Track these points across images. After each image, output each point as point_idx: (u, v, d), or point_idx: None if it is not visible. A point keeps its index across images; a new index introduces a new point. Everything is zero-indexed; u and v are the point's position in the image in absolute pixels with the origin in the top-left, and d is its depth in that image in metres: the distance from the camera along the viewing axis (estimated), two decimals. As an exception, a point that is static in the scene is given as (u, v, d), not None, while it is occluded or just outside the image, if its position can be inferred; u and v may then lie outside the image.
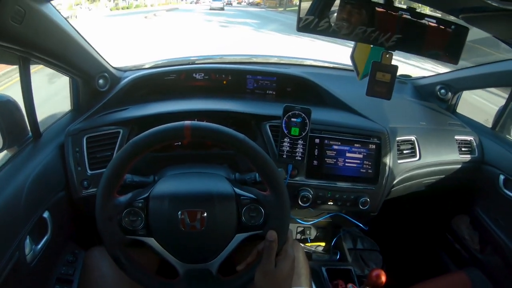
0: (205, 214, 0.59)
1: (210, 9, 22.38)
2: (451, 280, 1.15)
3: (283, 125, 0.87)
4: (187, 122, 0.56)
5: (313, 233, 1.14)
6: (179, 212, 0.59)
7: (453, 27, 0.64)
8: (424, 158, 1.05)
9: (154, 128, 0.56)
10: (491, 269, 1.11)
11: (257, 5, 33.66)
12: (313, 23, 0.63)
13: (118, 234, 0.59)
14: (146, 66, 1.15)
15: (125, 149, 0.56)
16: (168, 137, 0.57)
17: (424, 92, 1.27)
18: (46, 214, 0.80)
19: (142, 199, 0.61)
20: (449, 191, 1.25)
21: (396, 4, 0.66)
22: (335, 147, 0.92)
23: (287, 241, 0.61)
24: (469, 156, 1.12)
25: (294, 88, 1.09)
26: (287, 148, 0.88)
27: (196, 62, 1.14)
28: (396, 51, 0.68)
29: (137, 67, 1.15)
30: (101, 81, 1.00)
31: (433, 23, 0.64)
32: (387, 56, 0.71)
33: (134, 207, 0.60)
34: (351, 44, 0.79)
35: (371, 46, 0.77)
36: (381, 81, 0.73)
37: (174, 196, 0.61)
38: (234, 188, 0.63)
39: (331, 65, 1.28)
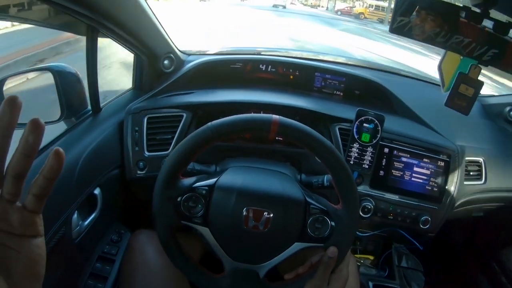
0: (271, 216, 0.56)
1: (273, 6, 18.32)
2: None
3: (355, 129, 0.82)
4: (275, 117, 0.53)
5: (363, 244, 1.09)
6: (245, 209, 0.56)
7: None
8: (490, 183, 0.98)
9: (239, 115, 0.53)
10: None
11: (357, 17, 18.62)
12: (407, 26, 0.59)
13: (174, 217, 0.56)
14: (211, 52, 1.12)
15: (203, 131, 0.53)
16: (253, 128, 0.54)
17: (492, 111, 1.19)
18: (97, 191, 0.79)
19: (206, 187, 0.57)
20: (505, 220, 1.18)
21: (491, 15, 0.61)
22: (404, 159, 0.87)
23: (344, 260, 0.57)
24: None
25: (363, 91, 1.04)
26: (355, 155, 0.84)
27: (262, 53, 1.10)
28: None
29: (201, 52, 1.12)
30: (166, 62, 0.97)
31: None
32: (475, 69, 0.66)
33: (196, 193, 0.57)
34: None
35: (461, 57, 0.72)
36: (463, 94, 0.69)
37: (243, 191, 0.57)
38: (305, 195, 0.59)
39: (401, 72, 1.22)
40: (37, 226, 0.30)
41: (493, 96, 1.24)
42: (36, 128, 0.26)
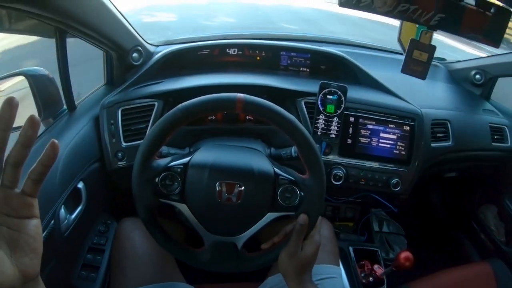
0: (243, 188, 0.59)
1: None
2: (474, 270, 1.13)
3: (319, 102, 0.86)
4: (240, 95, 0.55)
5: (342, 212, 1.14)
6: (217, 183, 0.59)
7: (493, 10, 0.61)
8: (457, 143, 1.03)
9: (206, 96, 0.56)
10: (516, 262, 1.09)
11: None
12: (354, -1, 0.62)
13: (152, 196, 0.59)
14: (179, 41, 1.14)
15: (173, 113, 0.56)
16: (219, 107, 0.57)
17: (458, 76, 1.23)
18: (80, 185, 0.81)
19: (181, 165, 0.60)
20: (479, 179, 1.23)
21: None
22: (370, 126, 0.91)
23: (315, 227, 0.61)
24: (501, 144, 1.09)
25: (328, 66, 1.07)
26: (322, 126, 0.87)
27: (229, 38, 1.13)
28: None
29: (170, 42, 1.14)
30: (135, 54, 1.00)
31: (471, 5, 0.61)
32: (426, 35, 0.69)
33: (172, 171, 0.59)
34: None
35: (417, 26, 0.74)
36: (417, 59, 0.72)
37: (215, 166, 0.60)
38: (274, 168, 0.63)
39: (365, 44, 1.25)
40: (34, 209, 0.34)
41: (459, 61, 1.28)
42: (33, 123, 0.31)
